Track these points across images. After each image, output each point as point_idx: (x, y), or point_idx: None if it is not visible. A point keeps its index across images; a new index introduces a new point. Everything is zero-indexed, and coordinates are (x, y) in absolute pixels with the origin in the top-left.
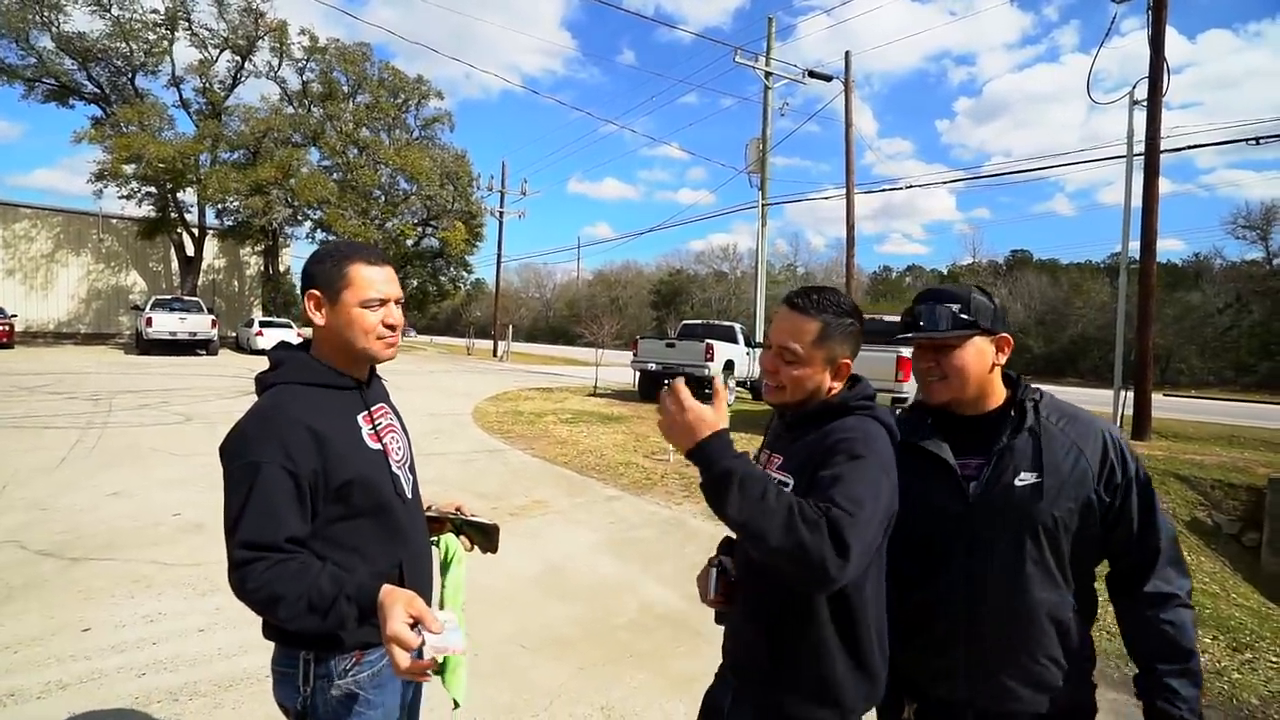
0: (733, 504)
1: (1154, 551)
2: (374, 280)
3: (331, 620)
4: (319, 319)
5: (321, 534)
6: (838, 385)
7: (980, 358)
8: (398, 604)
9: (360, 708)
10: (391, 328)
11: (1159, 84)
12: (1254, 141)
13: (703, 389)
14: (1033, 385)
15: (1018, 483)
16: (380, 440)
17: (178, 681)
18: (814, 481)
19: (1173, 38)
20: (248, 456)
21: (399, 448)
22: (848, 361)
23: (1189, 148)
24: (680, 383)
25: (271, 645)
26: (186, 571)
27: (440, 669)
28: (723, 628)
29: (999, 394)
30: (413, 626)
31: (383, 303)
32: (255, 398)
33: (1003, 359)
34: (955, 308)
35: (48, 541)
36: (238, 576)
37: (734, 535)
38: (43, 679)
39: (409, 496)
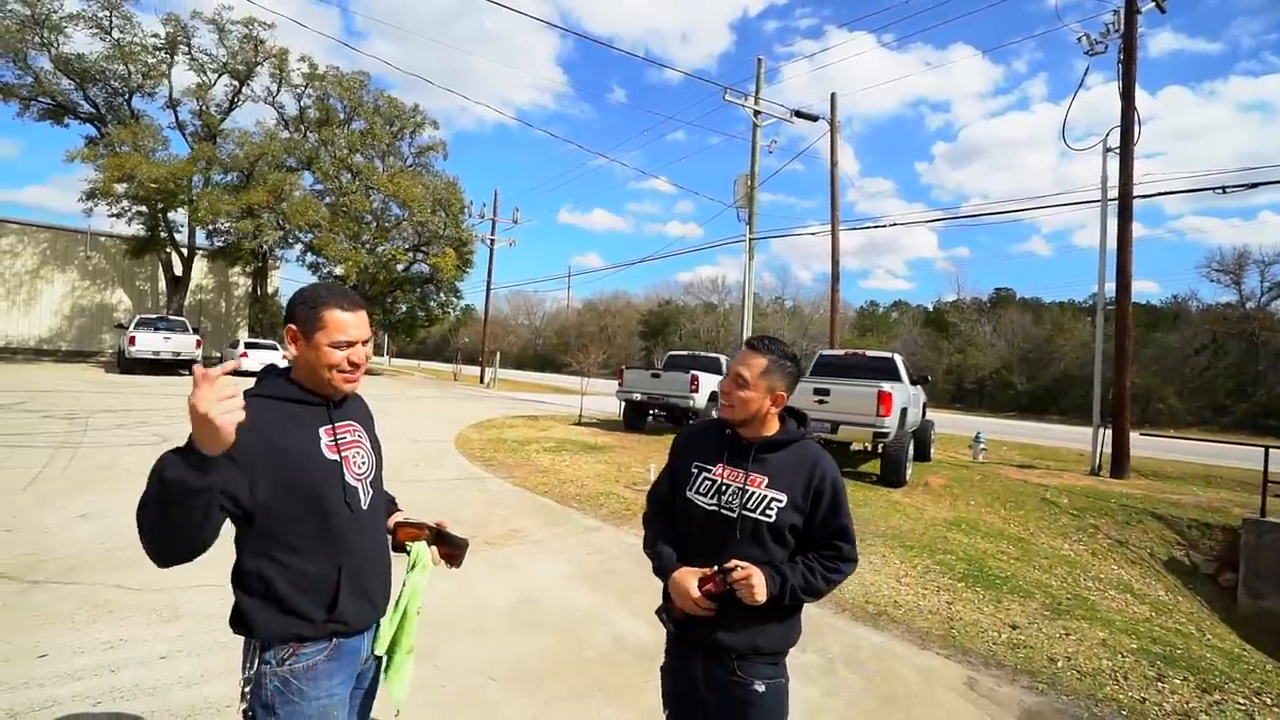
0: (819, 596)
1: None
2: (345, 324)
3: (153, 486)
4: (293, 350)
5: (264, 529)
6: (775, 410)
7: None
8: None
9: (294, 696)
10: (355, 365)
11: (1130, 133)
12: (1220, 190)
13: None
14: None
15: None
16: (340, 452)
17: (135, 710)
18: (815, 506)
19: (1137, 91)
20: None
21: (361, 462)
22: (784, 394)
23: (1161, 194)
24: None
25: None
26: (151, 597)
27: (386, 665)
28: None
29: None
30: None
31: (350, 344)
32: None
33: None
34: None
35: (8, 564)
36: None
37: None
38: None
39: (363, 508)
